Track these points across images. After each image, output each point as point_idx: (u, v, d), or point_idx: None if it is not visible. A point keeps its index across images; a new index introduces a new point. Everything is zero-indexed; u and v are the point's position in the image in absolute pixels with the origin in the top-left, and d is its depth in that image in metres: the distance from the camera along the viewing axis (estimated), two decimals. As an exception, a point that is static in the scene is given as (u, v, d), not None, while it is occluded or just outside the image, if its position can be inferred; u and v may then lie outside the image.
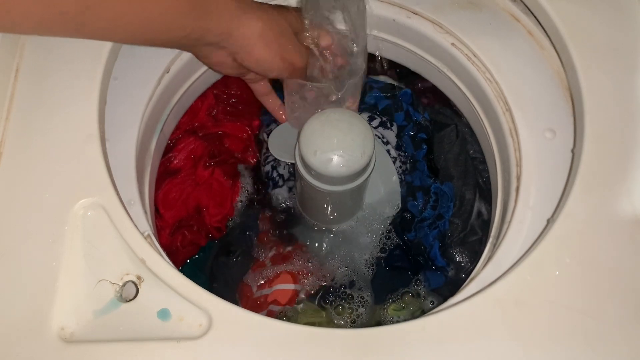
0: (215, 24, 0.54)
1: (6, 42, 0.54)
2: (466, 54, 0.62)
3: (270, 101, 0.73)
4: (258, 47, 0.57)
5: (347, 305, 0.76)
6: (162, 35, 0.53)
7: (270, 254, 0.80)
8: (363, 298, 0.77)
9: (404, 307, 0.74)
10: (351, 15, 0.63)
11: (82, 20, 0.46)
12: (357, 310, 0.76)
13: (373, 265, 0.80)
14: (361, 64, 0.65)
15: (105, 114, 0.55)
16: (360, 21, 0.63)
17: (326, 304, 0.76)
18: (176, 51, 0.63)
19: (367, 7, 0.64)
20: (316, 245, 0.82)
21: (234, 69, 0.61)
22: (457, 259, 0.76)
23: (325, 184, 0.66)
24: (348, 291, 0.77)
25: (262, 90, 0.71)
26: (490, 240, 0.57)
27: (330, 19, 0.64)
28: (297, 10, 0.63)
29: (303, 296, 0.77)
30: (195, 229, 0.78)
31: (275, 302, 0.75)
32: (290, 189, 0.83)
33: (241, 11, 0.55)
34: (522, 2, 0.60)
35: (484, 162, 0.73)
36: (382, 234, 0.81)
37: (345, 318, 0.75)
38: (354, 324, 0.75)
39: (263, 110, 0.84)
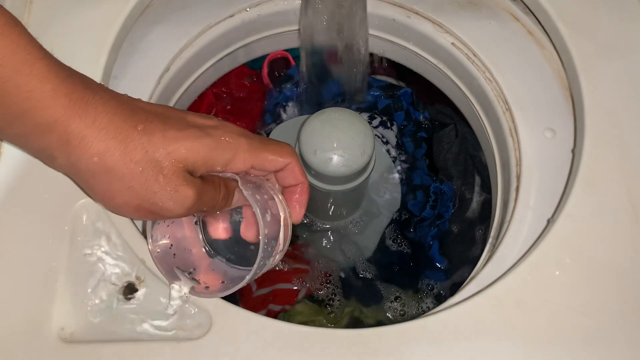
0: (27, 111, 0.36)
1: (6, 42, 0.54)
2: (466, 54, 0.62)
3: None
4: (100, 184, 0.39)
5: (347, 304, 0.76)
6: None
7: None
8: (363, 297, 0.77)
9: (404, 307, 0.74)
10: (351, 15, 0.62)
11: None
12: (356, 308, 0.76)
13: (373, 264, 0.80)
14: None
15: (105, 114, 0.55)
16: (361, 21, 0.63)
17: (326, 303, 0.76)
18: (176, 50, 0.63)
19: (367, 6, 0.64)
20: (316, 243, 0.82)
21: None
22: (457, 258, 0.76)
23: (325, 184, 0.66)
24: (348, 290, 0.77)
25: None
26: (490, 240, 0.57)
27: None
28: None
29: (303, 295, 0.77)
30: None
31: (275, 301, 0.75)
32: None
33: (78, 105, 0.37)
34: (522, 1, 0.60)
35: (483, 161, 0.73)
36: (382, 232, 0.81)
37: (346, 317, 0.75)
38: (354, 324, 0.75)
39: (263, 109, 0.84)
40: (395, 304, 0.75)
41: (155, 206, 0.39)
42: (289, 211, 0.46)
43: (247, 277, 0.42)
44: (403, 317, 0.74)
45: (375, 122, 0.81)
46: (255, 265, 0.42)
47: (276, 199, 0.45)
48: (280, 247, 0.45)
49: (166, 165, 0.38)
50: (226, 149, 0.41)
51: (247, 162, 0.42)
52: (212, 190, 0.42)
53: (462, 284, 0.52)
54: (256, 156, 0.43)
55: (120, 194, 0.39)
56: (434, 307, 0.70)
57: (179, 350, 0.44)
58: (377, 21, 0.67)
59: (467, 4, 0.63)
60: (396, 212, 0.81)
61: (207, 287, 0.46)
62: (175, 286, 0.45)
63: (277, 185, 0.47)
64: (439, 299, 0.75)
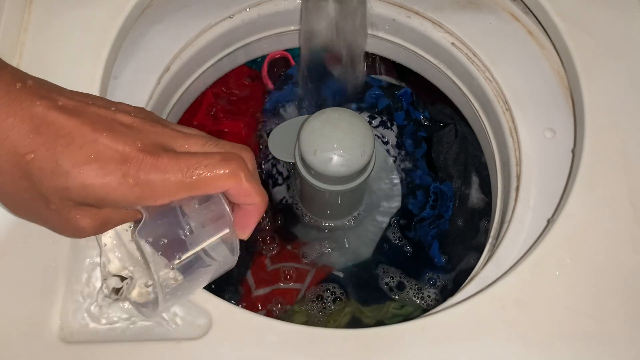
0: None
1: (6, 41, 0.54)
2: (466, 54, 0.62)
3: None
4: None
5: (347, 304, 0.76)
6: None
7: (270, 253, 0.80)
8: (363, 296, 0.77)
9: (403, 307, 0.74)
10: (351, 15, 0.62)
11: None
12: (356, 308, 0.76)
13: (373, 264, 0.80)
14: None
15: (105, 114, 0.55)
16: (361, 21, 0.63)
17: (326, 303, 0.76)
18: (176, 50, 0.63)
19: (367, 6, 0.64)
20: (316, 243, 0.82)
21: None
22: (457, 258, 0.76)
23: (325, 184, 0.66)
24: (348, 289, 0.77)
25: None
26: (490, 240, 0.57)
27: None
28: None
29: (303, 295, 0.77)
30: (194, 228, 0.78)
31: (275, 301, 0.76)
32: (290, 187, 0.83)
33: None
34: (522, 1, 0.60)
35: (483, 161, 0.73)
36: (382, 232, 0.81)
37: (346, 317, 0.75)
38: (354, 324, 0.75)
39: (263, 109, 0.84)
40: (395, 303, 0.75)
41: (53, 229, 0.38)
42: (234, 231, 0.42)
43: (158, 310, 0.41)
44: (404, 293, 0.74)
45: (375, 122, 0.81)
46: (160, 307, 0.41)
47: (225, 218, 0.40)
48: (221, 267, 0.43)
49: (53, 200, 0.35)
50: (127, 191, 0.35)
51: (161, 201, 0.37)
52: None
53: (464, 280, 0.52)
54: (172, 196, 0.36)
55: (17, 210, 0.38)
56: (435, 297, 0.71)
57: (179, 350, 0.44)
58: (377, 21, 0.67)
59: (467, 4, 0.63)
60: (396, 212, 0.81)
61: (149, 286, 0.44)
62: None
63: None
64: (443, 292, 0.75)
